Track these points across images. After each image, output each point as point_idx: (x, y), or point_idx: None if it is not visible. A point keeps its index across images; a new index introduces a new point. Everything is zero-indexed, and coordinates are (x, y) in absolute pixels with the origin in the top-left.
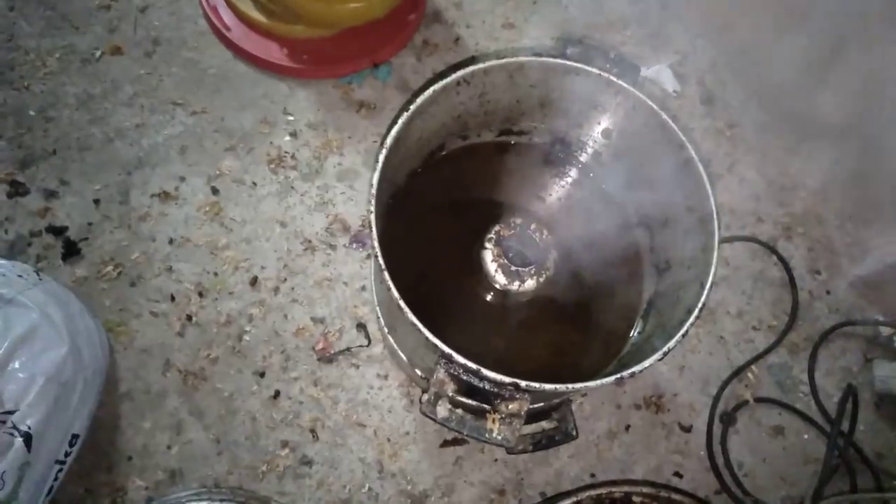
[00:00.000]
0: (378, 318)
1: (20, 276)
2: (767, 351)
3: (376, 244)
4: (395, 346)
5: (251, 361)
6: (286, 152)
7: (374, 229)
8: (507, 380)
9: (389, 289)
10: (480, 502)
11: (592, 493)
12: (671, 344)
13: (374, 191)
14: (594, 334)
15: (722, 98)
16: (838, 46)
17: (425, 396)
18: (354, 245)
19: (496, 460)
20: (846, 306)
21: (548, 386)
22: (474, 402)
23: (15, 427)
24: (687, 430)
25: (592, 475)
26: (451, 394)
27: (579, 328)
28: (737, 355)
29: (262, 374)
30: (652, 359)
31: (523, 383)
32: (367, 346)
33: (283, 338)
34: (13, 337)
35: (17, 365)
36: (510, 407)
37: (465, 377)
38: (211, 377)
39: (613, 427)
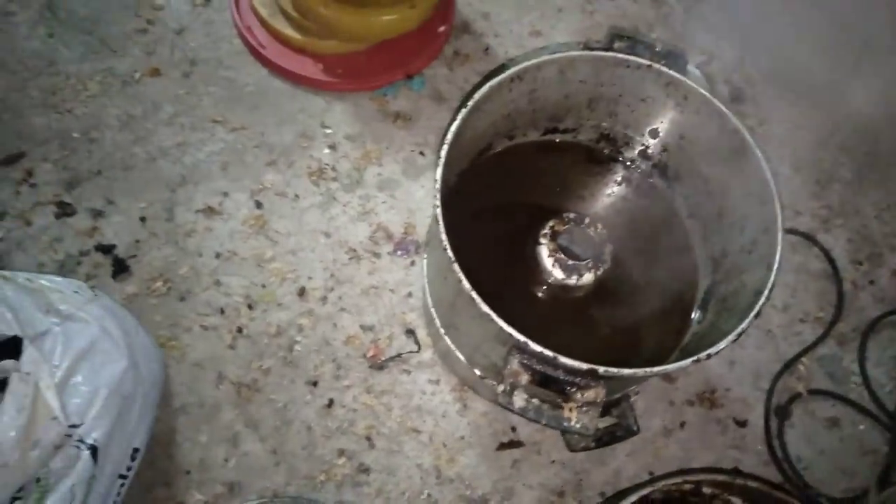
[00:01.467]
0: (432, 320)
1: (76, 292)
2: (816, 343)
3: (444, 238)
4: (451, 346)
5: (303, 371)
6: (326, 164)
7: (441, 222)
8: (585, 366)
9: (461, 280)
10: None
11: (661, 484)
12: (744, 325)
13: (438, 185)
14: (651, 327)
15: (751, 96)
16: (869, 38)
17: (500, 387)
18: (399, 252)
19: (553, 462)
20: (891, 295)
21: (625, 371)
22: (549, 392)
23: (81, 440)
24: (742, 424)
25: (651, 473)
26: (525, 384)
27: (636, 322)
28: (786, 348)
29: (315, 384)
30: (727, 340)
31: (601, 369)
32: (418, 351)
33: (333, 346)
34: (75, 351)
35: (79, 379)
36: (586, 395)
37: (539, 367)
38: (264, 388)
39: (668, 424)
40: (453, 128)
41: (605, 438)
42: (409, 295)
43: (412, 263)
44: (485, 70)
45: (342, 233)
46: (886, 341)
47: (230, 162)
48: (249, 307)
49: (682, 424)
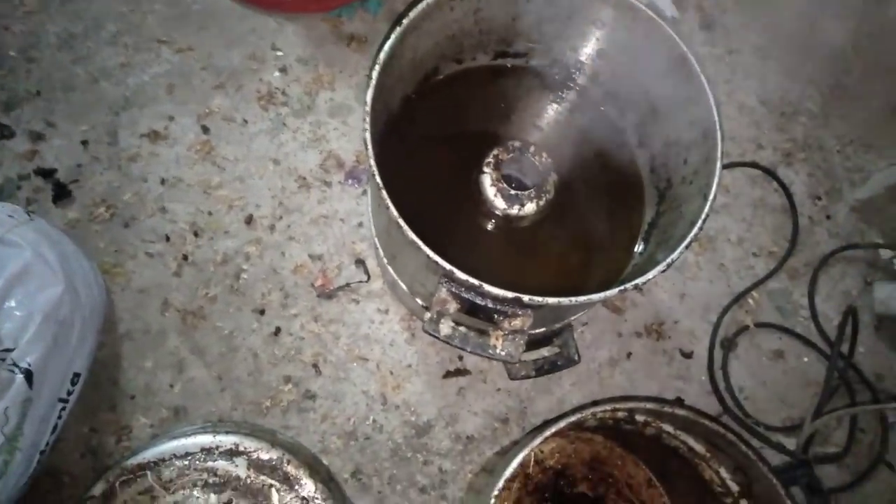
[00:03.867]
0: (377, 250)
1: (10, 216)
2: (768, 277)
3: (373, 163)
4: (395, 276)
5: (250, 299)
6: (276, 88)
7: (370, 147)
8: (510, 294)
9: (388, 207)
10: (484, 431)
11: (596, 410)
12: (675, 255)
13: (368, 108)
14: (596, 256)
15: (721, 23)
16: None
17: (427, 315)
18: (350, 181)
19: (499, 390)
20: (846, 231)
21: (550, 300)
22: (477, 320)
23: (15, 364)
24: (688, 356)
25: (595, 403)
26: (453, 312)
27: (581, 251)
28: (737, 282)
29: (262, 312)
30: (655, 270)
31: (525, 297)
32: (367, 281)
33: (281, 275)
34: (7, 275)
35: (12, 303)
36: (513, 323)
37: (466, 295)
38: (210, 316)
39: (615, 355)
40: (386, 48)
41: (546, 367)
42: (360, 225)
43: (363, 193)
44: None
45: (292, 160)
46: (838, 276)
47: (176, 85)
48: (195, 234)
49: (629, 355)
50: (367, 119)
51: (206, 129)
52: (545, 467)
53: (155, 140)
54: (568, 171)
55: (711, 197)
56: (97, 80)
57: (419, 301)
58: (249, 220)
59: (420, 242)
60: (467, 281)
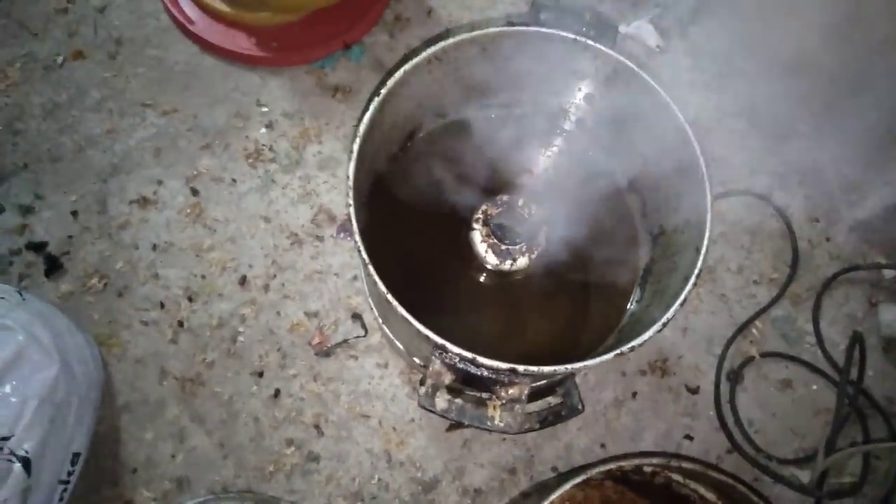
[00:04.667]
0: (372, 308)
1: (2, 297)
2: (770, 304)
3: (358, 238)
4: (391, 335)
5: (248, 362)
6: (263, 145)
7: (354, 222)
8: (504, 366)
9: (376, 283)
10: (492, 483)
11: (603, 468)
12: (669, 314)
13: (350, 182)
14: (592, 308)
15: (707, 49)
16: None
17: (422, 389)
18: (342, 235)
19: (504, 440)
20: (847, 252)
21: (546, 369)
22: (473, 391)
23: (12, 453)
24: (694, 391)
25: (602, 445)
26: (449, 383)
27: (576, 303)
28: (739, 312)
29: (261, 374)
30: (651, 331)
31: (521, 368)
32: (364, 336)
33: (277, 335)
34: (0, 361)
35: (7, 389)
36: (510, 392)
37: (461, 366)
38: (208, 382)
39: (620, 395)
40: (366, 119)
41: (550, 418)
42: (355, 278)
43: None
44: (427, 35)
45: (283, 217)
46: (842, 299)
47: (162, 148)
48: (189, 299)
49: (634, 395)
50: (350, 194)
51: (195, 191)
52: None
53: (144, 206)
54: (560, 220)
55: (703, 251)
56: (83, 148)
57: (417, 360)
58: (243, 281)
59: (410, 318)
60: (461, 354)
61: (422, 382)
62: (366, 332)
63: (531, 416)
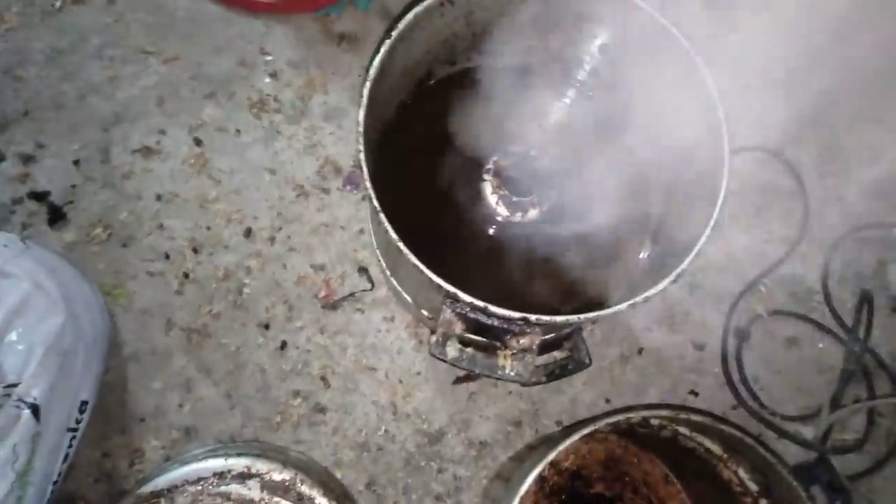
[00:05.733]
0: (379, 260)
1: (5, 245)
2: (780, 262)
3: (369, 185)
4: (398, 288)
5: (254, 314)
6: (268, 95)
7: (365, 169)
8: (517, 315)
9: (387, 231)
10: (497, 435)
11: (610, 420)
12: (684, 265)
13: (361, 128)
14: (602, 261)
15: (723, 1)
16: None
17: (433, 338)
18: (348, 187)
19: (510, 393)
20: (858, 211)
21: (558, 318)
22: (484, 340)
23: (21, 399)
24: (701, 348)
25: (607, 400)
26: (459, 333)
27: (586, 256)
28: (749, 270)
29: (267, 326)
30: (664, 282)
31: (533, 317)
32: (371, 289)
33: (284, 288)
34: (6, 309)
35: (14, 337)
36: (521, 342)
37: (472, 315)
38: (215, 333)
39: (626, 351)
40: (375, 63)
41: (557, 372)
42: (361, 231)
43: (363, 198)
44: None
45: (288, 168)
46: (851, 258)
47: (166, 96)
48: (195, 251)
49: (640, 350)
50: (361, 140)
51: (198, 142)
52: (561, 469)
53: (148, 155)
54: (572, 172)
55: (721, 200)
56: (85, 96)
57: (425, 312)
58: (248, 233)
59: (422, 266)
60: (472, 303)
61: (432, 332)
62: (372, 285)
63: (538, 370)
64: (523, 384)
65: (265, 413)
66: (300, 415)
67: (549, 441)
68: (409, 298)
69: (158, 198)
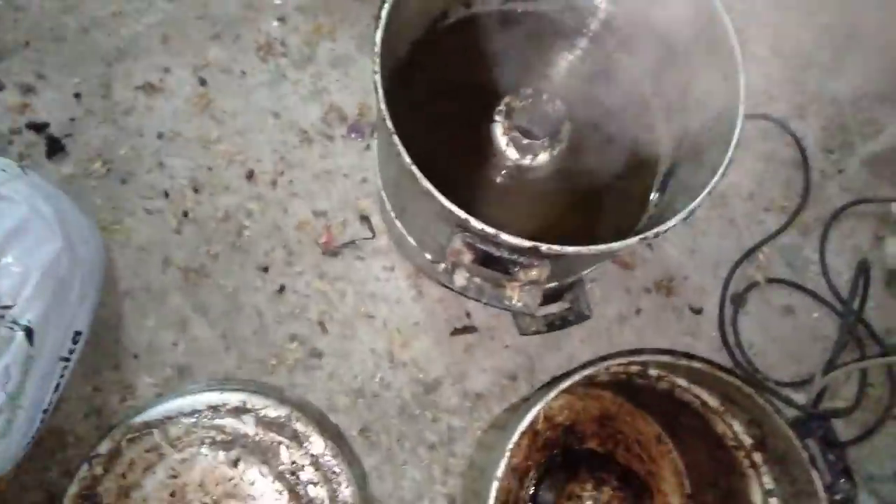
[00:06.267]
0: (384, 205)
1: (3, 169)
2: (779, 232)
3: (384, 107)
4: (403, 231)
5: (253, 257)
6: (275, 38)
7: (380, 90)
8: (527, 243)
9: (400, 154)
10: (493, 388)
11: (609, 363)
12: (696, 202)
13: (378, 48)
14: (610, 207)
15: None
16: None
17: (441, 266)
18: (353, 135)
19: (507, 347)
20: (858, 185)
21: (569, 248)
22: (492, 272)
23: (15, 321)
24: (698, 312)
25: (607, 357)
26: (467, 263)
27: (595, 202)
28: (748, 238)
29: (266, 269)
30: (677, 217)
31: (544, 246)
32: (372, 238)
33: (284, 232)
34: (2, 231)
35: (9, 259)
36: (530, 274)
37: (482, 245)
38: (213, 273)
39: (624, 311)
40: None
41: (557, 322)
42: (364, 180)
43: (367, 147)
44: None
45: (292, 113)
46: (849, 231)
47: (170, 35)
48: (195, 190)
49: (638, 311)
50: (377, 60)
51: (203, 81)
52: (554, 423)
53: (150, 93)
54: (580, 121)
55: (734, 142)
56: (88, 29)
57: (428, 256)
58: (250, 176)
59: (434, 191)
60: (483, 230)
61: (436, 263)
62: (373, 234)
63: (538, 319)
64: (521, 331)
65: (260, 355)
66: (296, 359)
67: (547, 387)
68: (412, 241)
69: (160, 135)
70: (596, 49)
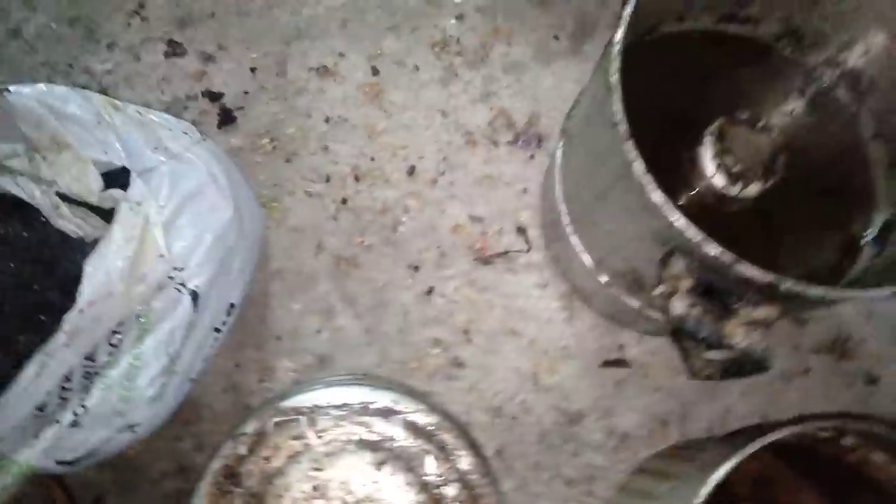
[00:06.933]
0: (555, 217)
1: (185, 133)
2: None
3: (619, 105)
4: (575, 247)
5: (406, 254)
6: (451, 36)
7: (618, 89)
8: (767, 277)
9: (630, 161)
10: (640, 430)
11: (803, 427)
12: None
13: (619, 36)
14: (805, 253)
15: None
16: None
17: (658, 290)
18: (519, 143)
19: (659, 389)
20: None
21: (814, 289)
22: (711, 305)
23: (184, 284)
24: (873, 381)
25: (763, 417)
26: (685, 291)
27: (792, 245)
28: None
29: (417, 268)
30: None
31: (787, 283)
32: (528, 251)
33: (439, 233)
34: (182, 193)
35: (184, 221)
36: (755, 313)
37: (704, 274)
38: (364, 265)
39: (790, 369)
40: None
41: (733, 370)
42: (525, 191)
43: (532, 157)
44: None
45: (460, 114)
46: None
47: (350, 20)
48: (356, 179)
49: (806, 371)
50: (617, 53)
51: (375, 71)
52: None
53: (324, 75)
54: (794, 153)
55: None
56: (271, 7)
57: (603, 278)
58: (412, 171)
59: (669, 205)
60: (717, 257)
61: (612, 287)
62: (529, 247)
63: (712, 364)
64: (693, 374)
65: (402, 356)
66: (437, 365)
67: (697, 445)
68: (586, 259)
69: (327, 119)
70: (813, 86)
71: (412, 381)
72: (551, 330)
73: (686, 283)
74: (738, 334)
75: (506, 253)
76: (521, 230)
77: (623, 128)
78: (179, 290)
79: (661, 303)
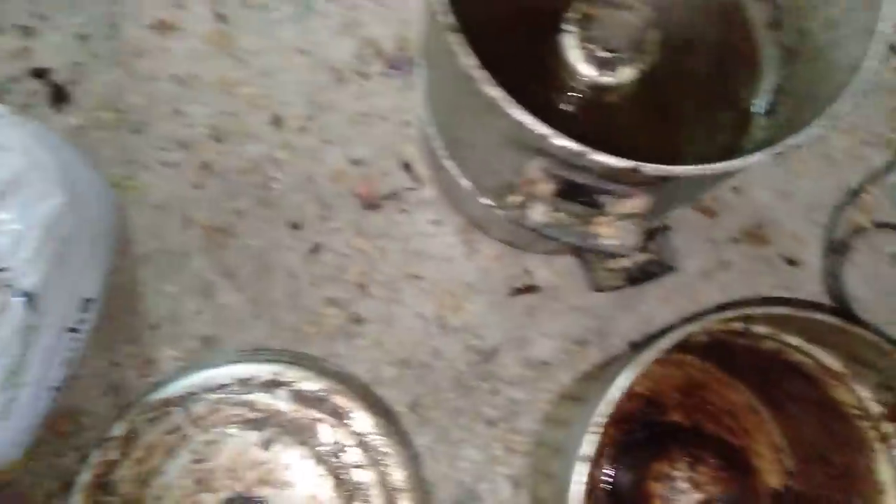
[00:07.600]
0: (430, 144)
1: None
2: (887, 169)
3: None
4: (455, 173)
5: (283, 212)
6: None
7: None
8: (625, 164)
9: (457, 56)
10: (560, 355)
11: (715, 317)
12: (846, 108)
13: None
14: (699, 135)
15: None
16: None
17: (514, 198)
18: (392, 72)
19: (574, 308)
20: None
21: (677, 169)
22: (577, 205)
23: (11, 285)
24: (793, 263)
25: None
26: (545, 195)
27: (681, 128)
28: (849, 176)
29: (298, 226)
30: (818, 123)
31: (648, 167)
32: (417, 188)
33: (317, 184)
34: None
35: (5, 216)
36: (625, 206)
37: (564, 172)
38: (239, 232)
39: (708, 265)
40: None
41: (639, 276)
42: (406, 123)
43: (407, 85)
44: None
45: (322, 50)
46: None
47: None
48: (216, 140)
49: (725, 264)
50: None
51: (221, 17)
52: (632, 394)
53: (163, 31)
54: (670, 27)
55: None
56: None
57: (485, 200)
58: (277, 121)
59: (504, 98)
60: (567, 148)
61: (496, 208)
62: (418, 183)
63: (615, 273)
64: (596, 288)
65: (295, 322)
66: (335, 325)
67: (623, 359)
68: (467, 184)
69: (175, 79)
70: None
71: (310, 348)
72: (452, 267)
73: (545, 188)
74: (611, 232)
75: (394, 193)
76: (406, 166)
77: (444, 19)
78: (6, 294)
79: (519, 213)
